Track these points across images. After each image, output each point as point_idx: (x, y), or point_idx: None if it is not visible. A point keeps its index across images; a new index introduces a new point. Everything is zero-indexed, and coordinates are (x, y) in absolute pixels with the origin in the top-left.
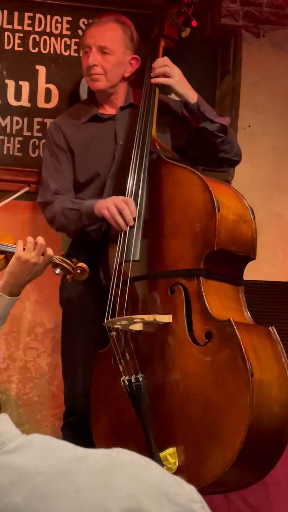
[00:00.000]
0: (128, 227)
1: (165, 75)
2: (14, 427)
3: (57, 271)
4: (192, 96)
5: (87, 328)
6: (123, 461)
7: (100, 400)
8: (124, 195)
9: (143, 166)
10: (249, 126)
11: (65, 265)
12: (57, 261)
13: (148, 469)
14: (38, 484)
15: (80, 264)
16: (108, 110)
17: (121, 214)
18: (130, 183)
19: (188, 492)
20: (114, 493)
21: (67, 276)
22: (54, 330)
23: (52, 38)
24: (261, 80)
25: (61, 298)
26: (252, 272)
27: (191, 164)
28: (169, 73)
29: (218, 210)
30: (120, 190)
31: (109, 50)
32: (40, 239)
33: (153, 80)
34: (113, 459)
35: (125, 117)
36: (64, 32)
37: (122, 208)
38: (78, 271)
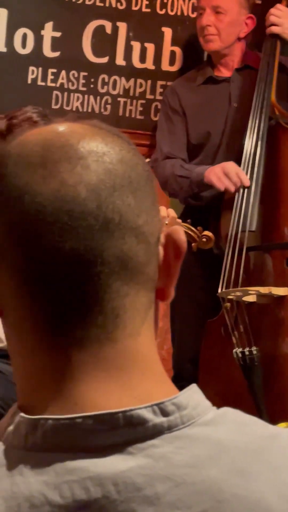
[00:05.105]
0: (245, 196)
1: (273, 24)
2: (206, 399)
3: None
4: None
5: (194, 295)
6: None
7: (208, 369)
8: (238, 159)
9: (261, 132)
10: None
11: (190, 233)
12: (183, 229)
13: None
14: (235, 459)
15: (206, 232)
16: (224, 72)
17: (228, 177)
18: (248, 149)
19: None
20: None
21: (192, 244)
22: None
23: (180, 0)
24: None
25: None
26: None
27: None
28: (276, 22)
29: None
30: (232, 152)
31: (223, 9)
32: (172, 212)
33: (267, 30)
34: None
35: (240, 79)
36: None
37: (228, 171)
38: (204, 239)
